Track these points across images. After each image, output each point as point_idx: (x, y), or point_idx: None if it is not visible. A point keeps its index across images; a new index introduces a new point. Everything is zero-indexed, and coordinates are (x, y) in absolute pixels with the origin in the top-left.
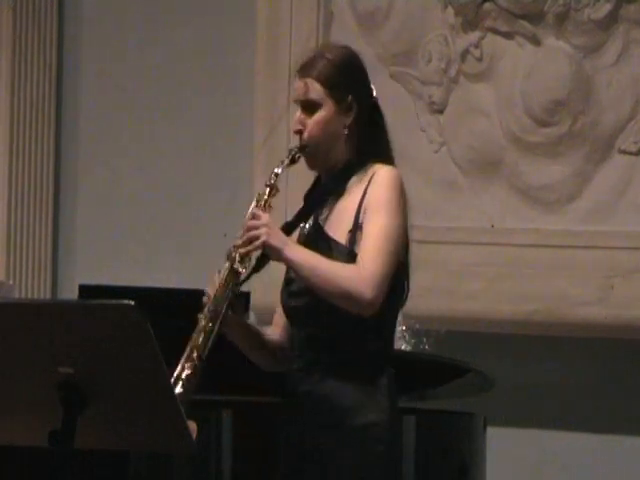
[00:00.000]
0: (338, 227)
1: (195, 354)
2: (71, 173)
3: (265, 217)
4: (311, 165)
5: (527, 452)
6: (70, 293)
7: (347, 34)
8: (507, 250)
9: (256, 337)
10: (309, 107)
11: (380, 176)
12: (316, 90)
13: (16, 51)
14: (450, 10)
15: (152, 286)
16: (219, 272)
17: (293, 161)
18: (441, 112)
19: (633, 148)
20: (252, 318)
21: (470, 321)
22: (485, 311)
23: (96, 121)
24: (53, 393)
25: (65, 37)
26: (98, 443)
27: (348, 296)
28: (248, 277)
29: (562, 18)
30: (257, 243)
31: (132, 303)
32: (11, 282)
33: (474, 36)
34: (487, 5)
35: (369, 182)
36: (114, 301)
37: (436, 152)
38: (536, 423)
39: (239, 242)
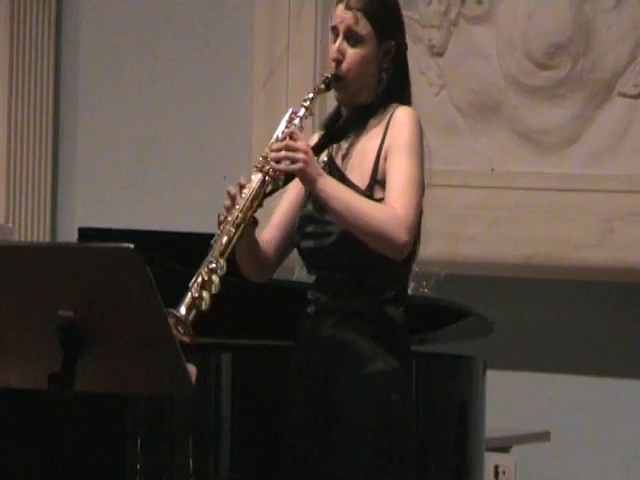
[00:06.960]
0: (356, 170)
1: (220, 256)
2: (71, 112)
3: (304, 143)
4: (340, 97)
5: (526, 395)
6: (69, 237)
7: None
8: (507, 193)
9: (255, 244)
10: (351, 40)
11: (400, 117)
12: (365, 26)
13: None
14: None
15: (152, 229)
16: (243, 183)
17: (327, 88)
18: (441, 55)
19: (633, 91)
20: None
21: (470, 264)
22: (485, 254)
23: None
24: (53, 336)
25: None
26: (97, 386)
27: (383, 237)
28: (272, 193)
29: None
30: (294, 167)
31: (131, 246)
32: (11, 224)
33: None
34: None
35: (387, 123)
36: (113, 244)
37: (436, 95)
38: (535, 366)
39: (272, 155)
